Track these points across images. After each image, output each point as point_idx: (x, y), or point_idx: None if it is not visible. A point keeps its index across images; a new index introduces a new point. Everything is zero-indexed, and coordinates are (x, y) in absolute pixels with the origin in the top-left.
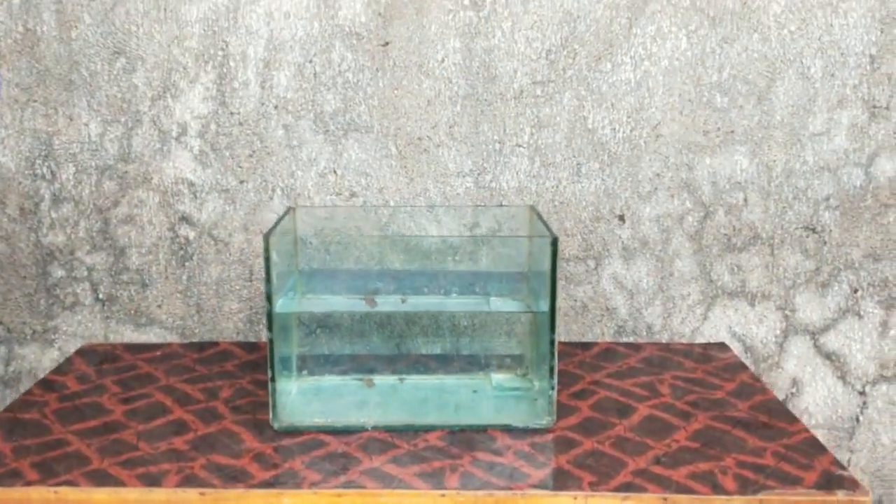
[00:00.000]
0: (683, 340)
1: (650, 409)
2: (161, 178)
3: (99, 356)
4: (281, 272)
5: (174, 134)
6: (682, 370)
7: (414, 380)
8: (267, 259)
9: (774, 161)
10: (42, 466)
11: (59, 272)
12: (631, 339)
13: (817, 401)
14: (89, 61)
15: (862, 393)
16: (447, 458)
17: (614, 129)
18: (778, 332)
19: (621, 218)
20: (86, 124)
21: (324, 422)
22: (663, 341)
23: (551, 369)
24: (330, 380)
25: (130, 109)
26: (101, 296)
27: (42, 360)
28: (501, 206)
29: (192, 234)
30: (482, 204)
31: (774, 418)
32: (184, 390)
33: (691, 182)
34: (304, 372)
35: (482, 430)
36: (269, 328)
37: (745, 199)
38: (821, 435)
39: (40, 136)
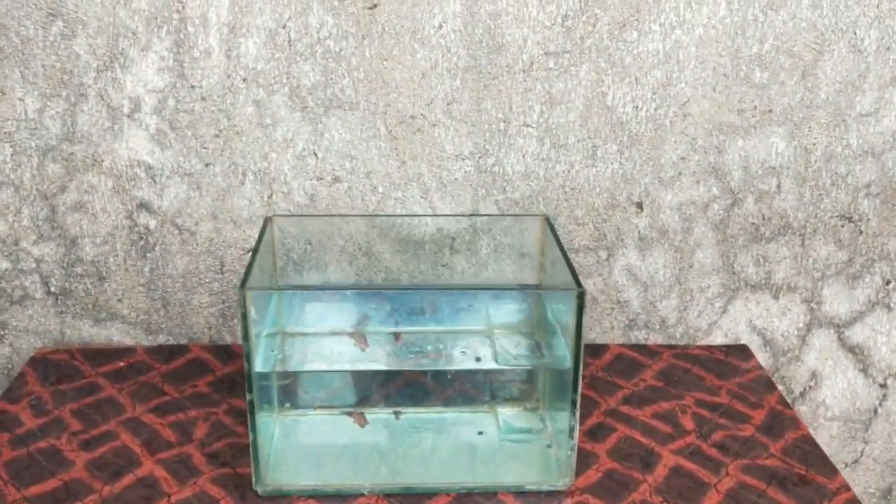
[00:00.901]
0: (699, 335)
1: (675, 455)
2: (113, 160)
3: (55, 370)
4: (259, 305)
5: (125, 110)
6: (704, 391)
7: (411, 414)
8: (244, 315)
9: (815, 144)
10: None
11: (4, 264)
12: (643, 334)
13: (835, 393)
14: (19, 24)
15: (883, 385)
16: None
17: (637, 106)
18: (801, 325)
19: (639, 205)
20: (20, 99)
21: (314, 485)
22: (677, 335)
23: (571, 430)
24: (315, 416)
25: (72, 82)
26: (52, 289)
27: None
28: (512, 215)
29: (152, 223)
30: (489, 213)
31: (812, 469)
32: (153, 427)
33: (720, 167)
34: (287, 405)
35: (492, 493)
36: (249, 389)
37: (779, 186)
38: (836, 427)
39: None
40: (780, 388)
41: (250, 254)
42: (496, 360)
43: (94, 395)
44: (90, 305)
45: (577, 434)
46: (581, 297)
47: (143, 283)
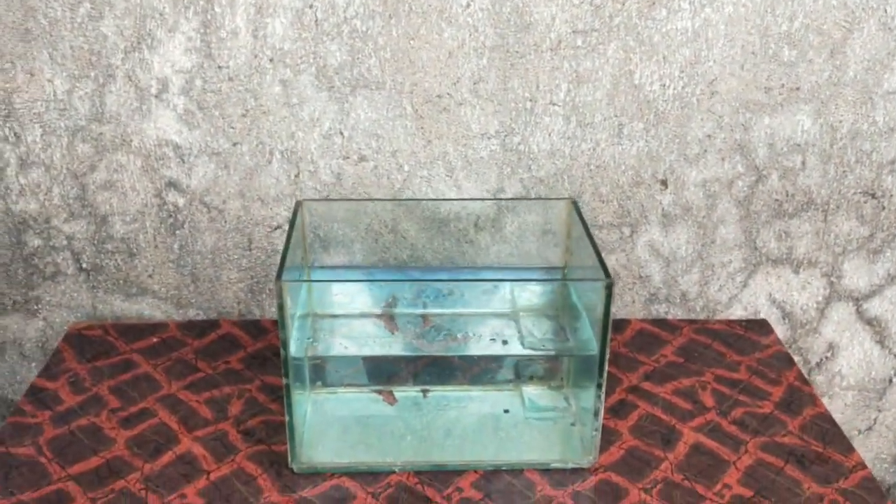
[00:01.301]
0: (719, 308)
1: (696, 433)
2: (142, 140)
3: (90, 347)
4: (293, 292)
5: (153, 91)
6: (723, 367)
7: (438, 393)
8: (280, 306)
9: (840, 121)
10: None
11: (36, 241)
12: (663, 307)
13: (851, 364)
14: (47, 7)
15: None
16: None
17: (664, 84)
18: (820, 298)
19: (664, 183)
20: (49, 80)
21: (347, 462)
22: (697, 308)
23: (595, 412)
24: (346, 394)
25: (101, 63)
26: (84, 265)
27: (26, 329)
28: (537, 199)
29: (181, 201)
30: (515, 197)
31: (829, 446)
32: (189, 404)
33: (746, 144)
34: (318, 383)
35: (518, 470)
36: (286, 374)
37: (804, 163)
38: (850, 396)
39: None
40: (797, 358)
41: (283, 236)
42: (522, 345)
43: (130, 372)
44: (121, 281)
45: (601, 416)
46: (609, 287)
47: (172, 260)
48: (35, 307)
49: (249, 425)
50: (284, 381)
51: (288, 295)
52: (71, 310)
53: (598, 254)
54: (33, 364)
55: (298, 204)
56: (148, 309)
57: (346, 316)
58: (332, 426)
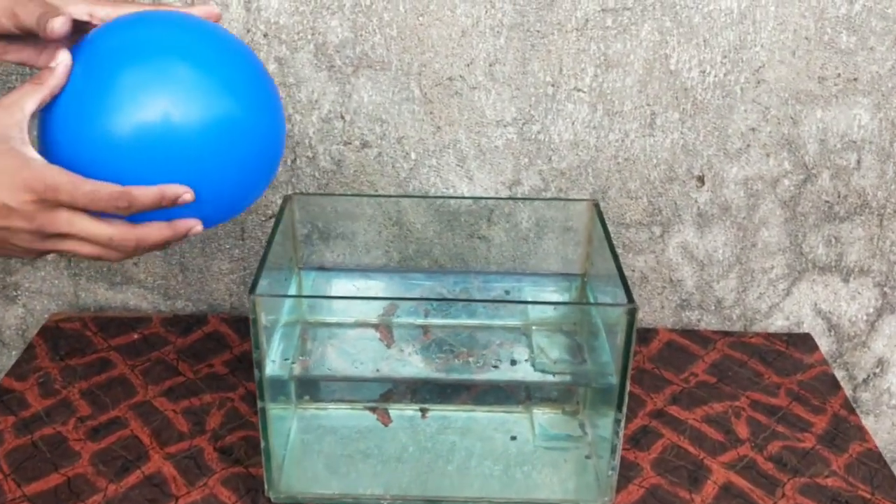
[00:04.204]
0: (758, 318)
1: (727, 470)
2: None
3: (66, 342)
4: (271, 306)
5: None
6: (761, 390)
7: (438, 412)
8: (254, 321)
9: None
10: None
11: None
12: (695, 315)
13: None
14: None
15: None
16: None
17: (704, 71)
18: (871, 310)
19: (700, 179)
20: None
21: (330, 493)
22: (733, 317)
23: (613, 449)
24: (336, 410)
25: None
26: None
27: (6, 317)
28: (555, 198)
29: None
30: (529, 196)
31: (878, 491)
32: (164, 414)
33: (794, 139)
34: (306, 397)
35: None
36: (261, 396)
37: (859, 161)
38: None
39: None
40: (842, 374)
41: (269, 229)
42: (533, 366)
43: (105, 373)
44: (105, 269)
45: (619, 454)
46: (632, 313)
47: None
48: (14, 293)
49: (227, 442)
50: (260, 404)
51: (262, 310)
52: (52, 297)
53: (622, 272)
54: (14, 352)
55: (287, 199)
56: (134, 299)
57: (338, 325)
58: (318, 448)
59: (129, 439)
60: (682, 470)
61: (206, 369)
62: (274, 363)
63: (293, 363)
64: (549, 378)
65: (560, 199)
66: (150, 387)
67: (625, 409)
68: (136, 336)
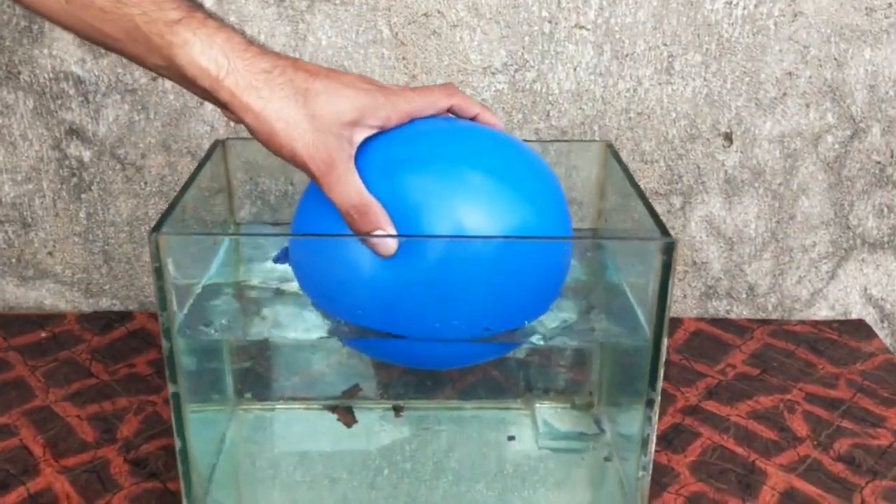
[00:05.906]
0: (797, 307)
1: (787, 472)
2: (33, 71)
3: None
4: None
5: None
6: (816, 381)
7: (416, 410)
8: (157, 270)
9: None
10: None
11: None
12: (724, 305)
13: None
14: None
15: None
16: None
17: (730, 3)
18: None
19: (727, 137)
20: None
21: None
22: (769, 307)
23: (644, 442)
24: (287, 411)
25: None
26: None
27: None
28: (559, 140)
29: (87, 155)
30: (533, 138)
31: None
32: (66, 420)
33: (838, 85)
34: (248, 395)
35: None
36: (172, 378)
37: None
38: None
39: None
40: None
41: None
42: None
43: (1, 374)
44: (13, 260)
45: (652, 449)
46: (669, 249)
47: (78, 233)
48: None
49: (143, 452)
50: (172, 388)
51: (168, 255)
52: None
53: (650, 206)
54: None
55: (217, 145)
56: (49, 297)
57: (291, 294)
58: (261, 459)
59: (16, 450)
60: (729, 474)
61: (124, 370)
62: (188, 327)
63: (224, 322)
64: (556, 344)
65: (567, 141)
66: (52, 390)
67: (659, 388)
68: (43, 335)
